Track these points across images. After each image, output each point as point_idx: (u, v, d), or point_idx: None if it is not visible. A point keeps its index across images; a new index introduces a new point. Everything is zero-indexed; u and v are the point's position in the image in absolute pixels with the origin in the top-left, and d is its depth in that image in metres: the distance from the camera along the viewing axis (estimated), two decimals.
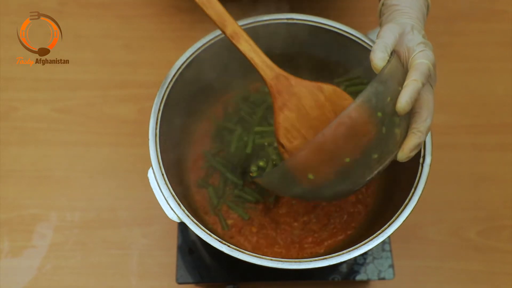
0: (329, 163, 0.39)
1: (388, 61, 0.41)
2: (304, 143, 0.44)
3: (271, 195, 0.58)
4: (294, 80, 0.44)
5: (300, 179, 0.41)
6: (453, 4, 0.84)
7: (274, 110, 0.44)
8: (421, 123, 0.41)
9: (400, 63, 0.43)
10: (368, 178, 0.43)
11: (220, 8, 0.43)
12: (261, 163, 0.52)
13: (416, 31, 0.44)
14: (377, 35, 0.44)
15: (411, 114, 0.42)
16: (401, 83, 0.41)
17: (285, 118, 0.44)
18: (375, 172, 0.42)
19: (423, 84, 0.40)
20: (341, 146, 0.38)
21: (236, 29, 0.43)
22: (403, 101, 0.39)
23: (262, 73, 0.44)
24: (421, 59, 0.41)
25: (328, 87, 0.45)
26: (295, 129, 0.44)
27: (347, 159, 0.40)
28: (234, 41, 0.43)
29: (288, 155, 0.45)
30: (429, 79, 0.42)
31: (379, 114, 0.39)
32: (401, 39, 0.44)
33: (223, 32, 0.43)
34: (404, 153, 0.41)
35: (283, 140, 0.44)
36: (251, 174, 0.52)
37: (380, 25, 0.49)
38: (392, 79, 0.40)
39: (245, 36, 0.43)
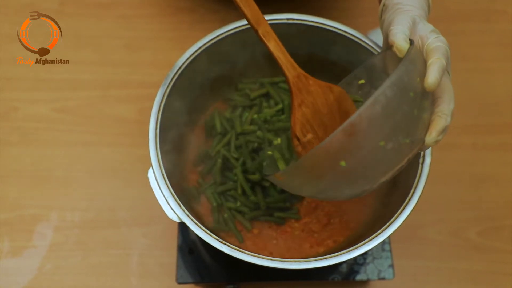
0: (363, 146, 0.39)
1: (411, 43, 0.41)
2: (315, 137, 0.47)
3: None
4: (311, 80, 0.47)
5: (331, 167, 0.39)
6: (453, 5, 0.84)
7: (292, 106, 0.47)
8: (446, 106, 0.41)
9: (418, 50, 0.43)
10: (398, 167, 0.42)
11: (256, 7, 0.45)
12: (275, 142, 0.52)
13: (425, 21, 0.45)
14: (390, 26, 0.44)
15: (433, 101, 0.42)
16: (425, 66, 0.41)
17: (302, 114, 0.47)
18: (405, 160, 0.41)
19: (446, 64, 0.41)
20: (376, 127, 0.38)
21: (268, 29, 0.46)
22: (433, 77, 0.39)
23: (286, 71, 0.47)
24: (437, 43, 0.42)
25: (337, 88, 0.49)
26: (309, 124, 0.48)
27: (382, 143, 0.38)
28: (265, 40, 0.46)
29: (302, 149, 0.47)
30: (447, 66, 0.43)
31: (411, 94, 0.39)
32: (413, 29, 0.44)
33: (255, 31, 0.46)
34: (432, 137, 0.41)
35: (299, 134, 0.47)
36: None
37: (382, 24, 0.50)
38: (418, 59, 0.40)
39: (274, 36, 0.46)
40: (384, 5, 0.49)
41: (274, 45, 0.46)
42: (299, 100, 0.47)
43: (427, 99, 0.41)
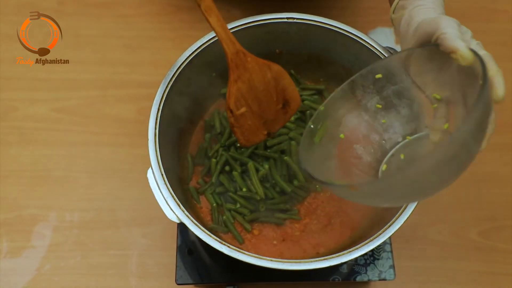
0: (452, 162, 0.40)
1: (473, 51, 0.41)
2: (249, 111, 0.52)
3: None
4: (250, 57, 0.50)
5: (417, 181, 0.40)
6: (454, 4, 0.84)
7: (229, 80, 0.50)
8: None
9: None
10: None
11: None
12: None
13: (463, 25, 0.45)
14: (439, 30, 0.44)
15: None
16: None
17: (237, 88, 0.50)
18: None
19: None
20: (467, 144, 0.39)
21: (210, 4, 0.47)
22: (502, 90, 0.41)
23: (225, 46, 0.49)
24: (483, 50, 0.43)
25: (275, 66, 0.51)
26: (244, 99, 0.51)
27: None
28: (206, 14, 0.47)
29: (234, 120, 0.51)
30: None
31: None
32: None
33: (198, 5, 0.47)
34: (483, 146, 0.42)
35: (233, 107, 0.51)
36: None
37: (398, 21, 0.49)
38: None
39: (216, 12, 0.48)
40: (398, 3, 0.49)
41: (215, 21, 0.47)
42: (235, 76, 0.50)
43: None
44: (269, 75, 0.51)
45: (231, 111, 0.51)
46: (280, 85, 0.52)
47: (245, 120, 0.52)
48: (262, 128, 0.53)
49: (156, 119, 0.51)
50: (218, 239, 0.46)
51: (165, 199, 0.48)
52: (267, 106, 0.52)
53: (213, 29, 0.48)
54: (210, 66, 0.58)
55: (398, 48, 0.78)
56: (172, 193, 0.48)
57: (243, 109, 0.51)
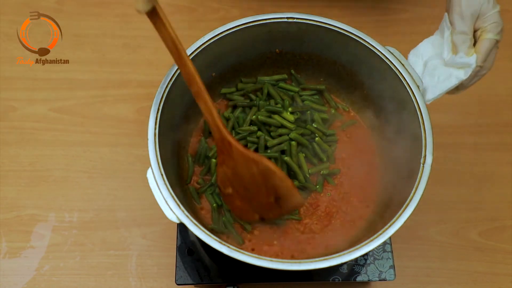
0: None
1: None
2: (236, 192, 0.53)
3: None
4: (234, 148, 0.50)
5: None
6: None
7: (217, 161, 0.53)
8: None
9: None
10: None
11: (190, 68, 0.48)
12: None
13: None
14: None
15: None
16: None
17: (222, 171, 0.53)
18: None
19: None
20: None
21: (199, 90, 0.48)
22: None
23: (212, 132, 0.51)
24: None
25: (262, 165, 0.49)
26: (229, 181, 0.53)
27: None
28: (196, 99, 0.49)
29: (223, 196, 0.55)
30: None
31: None
32: None
33: (190, 88, 0.49)
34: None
35: (220, 185, 0.54)
36: None
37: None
38: None
39: (205, 97, 0.48)
40: None
41: (204, 106, 0.49)
42: (220, 159, 0.52)
43: None
44: (255, 170, 0.49)
45: (219, 188, 0.54)
46: (270, 183, 0.50)
47: (233, 199, 0.53)
48: (252, 212, 0.54)
49: (156, 119, 0.51)
50: (218, 239, 0.46)
51: (164, 199, 0.47)
52: (255, 195, 0.52)
53: (203, 113, 0.49)
54: (210, 66, 0.58)
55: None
56: (172, 193, 0.48)
57: (229, 190, 0.53)
